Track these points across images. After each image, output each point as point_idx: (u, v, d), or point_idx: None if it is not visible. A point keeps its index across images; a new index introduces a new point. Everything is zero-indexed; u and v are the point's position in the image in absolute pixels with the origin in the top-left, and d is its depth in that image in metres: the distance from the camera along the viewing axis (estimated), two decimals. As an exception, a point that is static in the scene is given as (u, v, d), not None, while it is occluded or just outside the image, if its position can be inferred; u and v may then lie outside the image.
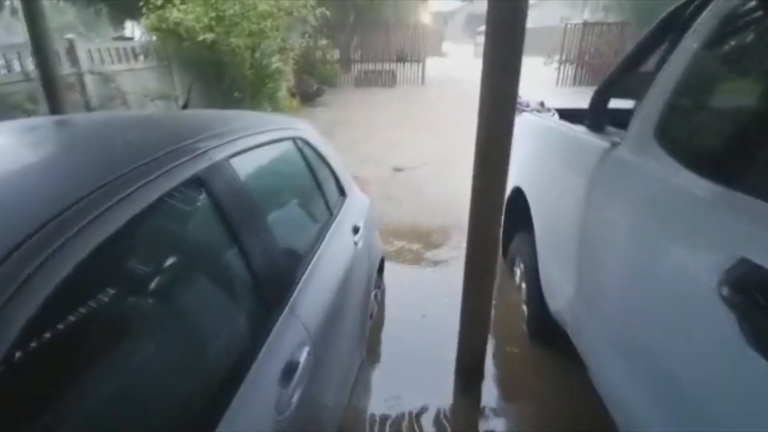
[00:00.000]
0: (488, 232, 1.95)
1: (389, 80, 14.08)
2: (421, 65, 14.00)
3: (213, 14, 5.99)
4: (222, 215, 1.21)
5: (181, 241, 1.14)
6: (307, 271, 1.54)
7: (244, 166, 1.46)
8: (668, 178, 1.28)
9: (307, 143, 2.10)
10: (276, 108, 9.61)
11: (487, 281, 1.97)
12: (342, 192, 2.36)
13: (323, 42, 14.11)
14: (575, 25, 13.25)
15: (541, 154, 2.56)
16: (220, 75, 7.17)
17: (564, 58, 13.26)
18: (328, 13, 7.57)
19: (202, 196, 1.20)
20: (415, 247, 3.91)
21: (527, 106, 3.84)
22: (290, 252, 1.56)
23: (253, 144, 1.54)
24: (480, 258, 1.99)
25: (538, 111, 3.73)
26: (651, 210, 1.34)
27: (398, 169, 6.05)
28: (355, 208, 2.41)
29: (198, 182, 1.18)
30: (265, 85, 7.60)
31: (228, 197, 1.26)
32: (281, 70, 8.28)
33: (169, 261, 1.06)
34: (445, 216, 4.45)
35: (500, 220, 1.93)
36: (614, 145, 1.67)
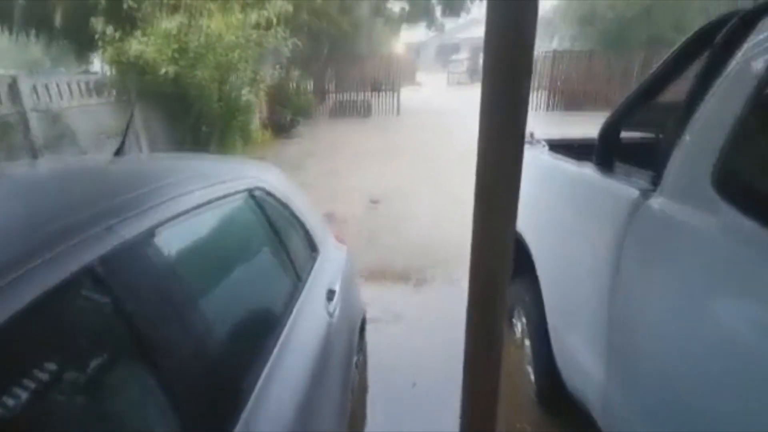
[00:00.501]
0: (494, 294, 1.60)
1: (364, 110, 13.97)
2: (396, 95, 13.97)
3: (176, 46, 5.67)
4: (129, 325, 0.83)
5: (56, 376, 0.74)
6: (266, 371, 1.16)
7: (177, 239, 1.09)
8: (739, 237, 0.98)
9: (270, 194, 1.74)
10: (248, 141, 9.25)
11: (494, 358, 1.61)
12: (314, 248, 1.99)
13: (297, 73, 13.96)
14: (546, 53, 13.52)
15: (543, 195, 2.25)
16: (187, 109, 6.81)
17: (537, 85, 13.44)
18: (299, 44, 7.36)
19: (98, 301, 0.82)
20: (399, 294, 3.54)
21: None
22: (243, 349, 1.17)
23: (192, 205, 1.17)
24: (483, 328, 1.63)
25: (528, 143, 3.45)
26: (718, 280, 1.03)
27: (375, 202, 5.74)
28: (331, 265, 2.04)
29: (91, 278, 0.80)
30: (234, 118, 7.27)
31: (143, 295, 0.88)
32: (252, 103, 7.97)
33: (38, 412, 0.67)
34: (428, 255, 4.12)
35: (507, 280, 1.60)
36: (645, 192, 1.37)
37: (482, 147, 1.45)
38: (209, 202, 1.26)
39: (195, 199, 1.19)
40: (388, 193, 6.06)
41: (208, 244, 1.30)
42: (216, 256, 1.33)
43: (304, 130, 11.00)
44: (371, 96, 14.11)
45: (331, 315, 1.74)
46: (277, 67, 13.49)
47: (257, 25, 6.52)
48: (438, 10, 15.38)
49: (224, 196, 1.40)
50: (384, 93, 14.03)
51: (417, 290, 3.61)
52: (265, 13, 6.31)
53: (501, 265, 1.58)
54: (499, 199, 1.47)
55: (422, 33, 33.47)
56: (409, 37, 35.66)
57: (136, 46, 5.57)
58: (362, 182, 6.69)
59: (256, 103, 10.47)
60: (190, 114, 6.83)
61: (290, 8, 6.70)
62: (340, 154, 8.53)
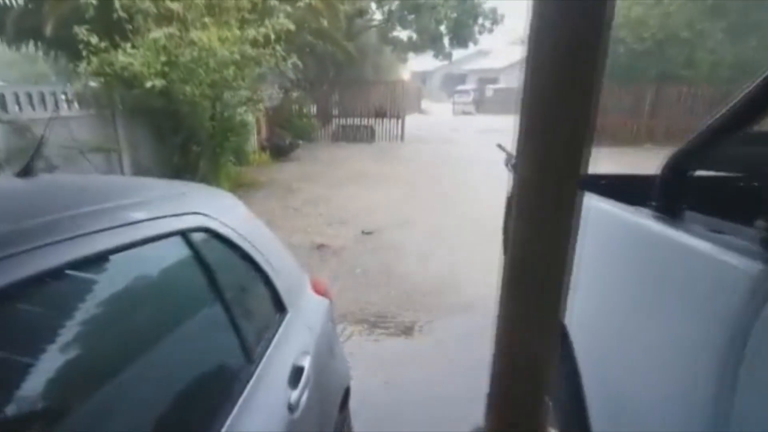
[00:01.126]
0: (532, 394, 1.09)
1: (368, 136, 13.67)
2: (400, 121, 13.71)
3: (165, 58, 5.32)
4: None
5: None
6: None
7: (51, 309, 0.65)
8: None
9: (217, 236, 1.26)
10: (243, 162, 8.86)
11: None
12: (280, 307, 1.51)
13: (300, 95, 13.77)
14: (555, 85, 13.27)
15: (589, 259, 1.73)
16: (176, 126, 6.43)
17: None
18: (300, 63, 7.04)
19: None
20: (389, 350, 3.01)
21: None
22: None
23: (85, 254, 0.74)
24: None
25: None
26: None
27: (367, 233, 5.26)
28: (302, 329, 1.55)
29: None
30: (227, 139, 6.88)
31: None
32: (247, 123, 7.62)
33: None
34: (424, 303, 3.60)
35: (549, 375, 1.09)
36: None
37: (522, 194, 0.96)
38: (113, 251, 0.81)
39: (91, 245, 0.73)
40: (383, 223, 5.59)
41: (103, 319, 0.83)
42: (113, 339, 0.86)
43: (304, 154, 10.64)
44: (375, 122, 13.86)
45: (293, 409, 1.24)
46: (278, 87, 13.33)
47: (255, 42, 6.21)
48: (446, 40, 15.31)
49: (141, 242, 0.94)
50: (389, 119, 13.78)
51: (412, 345, 3.08)
52: (264, 29, 6.00)
53: (543, 353, 1.08)
54: (544, 266, 0.98)
55: (429, 62, 33.84)
56: (417, 65, 36.08)
57: (122, 57, 5.23)
58: (357, 210, 6.24)
59: (254, 124, 10.19)
60: (180, 132, 6.45)
61: (292, 26, 6.42)
62: (337, 178, 8.12)
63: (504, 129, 18.59)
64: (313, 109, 14.36)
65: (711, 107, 12.77)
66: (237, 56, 5.88)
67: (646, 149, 12.08)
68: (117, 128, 5.75)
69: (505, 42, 47.96)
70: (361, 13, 13.64)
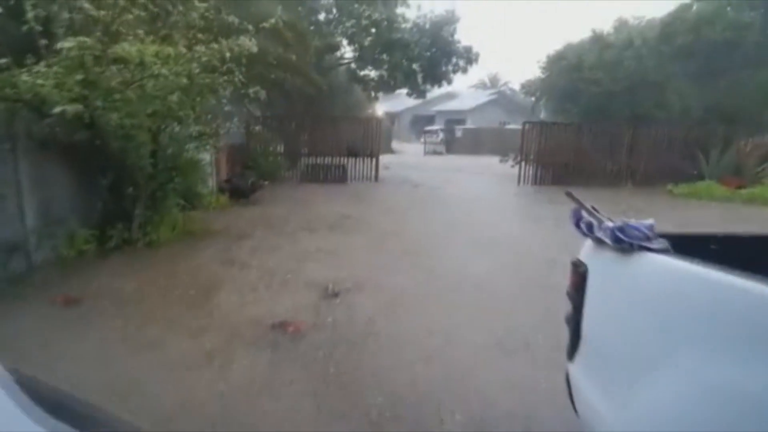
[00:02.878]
0: None
1: (340, 176, 12.54)
2: (374, 161, 12.70)
3: (81, 77, 4.02)
4: None
5: None
6: None
7: None
8: None
9: None
10: (196, 206, 7.47)
11: None
12: None
13: (266, 132, 12.59)
14: (533, 125, 12.75)
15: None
16: (105, 164, 5.08)
17: (524, 156, 12.51)
18: (262, 93, 5.87)
19: None
20: None
21: (608, 230, 1.95)
22: None
23: None
24: None
25: (643, 239, 1.85)
26: None
27: (334, 295, 4.01)
28: None
29: None
30: (171, 180, 5.54)
31: None
32: (199, 161, 6.33)
33: None
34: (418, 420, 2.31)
35: None
36: None
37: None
38: None
39: None
40: (352, 281, 4.36)
41: None
42: None
43: (269, 195, 9.33)
44: (348, 161, 12.79)
45: None
46: (242, 123, 12.14)
47: (209, 66, 5.04)
48: (420, 78, 14.67)
49: None
50: (362, 158, 12.75)
51: None
52: (216, 46, 4.81)
53: None
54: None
55: (399, 102, 33.64)
56: (386, 106, 35.88)
57: (27, 77, 3.92)
58: (322, 263, 4.97)
59: (211, 163, 8.87)
60: (109, 172, 5.08)
61: (254, 49, 5.31)
62: (301, 225, 6.84)
63: (479, 168, 18.29)
64: (282, 147, 13.20)
65: (685, 148, 12.69)
66: (184, 80, 4.65)
67: (628, 189, 11.54)
68: (18, 166, 4.32)
69: (469, 85, 49.12)
70: (332, 48, 12.84)
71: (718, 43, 11.71)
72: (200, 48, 4.73)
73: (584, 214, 2.02)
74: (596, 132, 12.30)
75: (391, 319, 3.62)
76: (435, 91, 30.02)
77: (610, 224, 1.86)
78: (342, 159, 12.76)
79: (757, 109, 11.86)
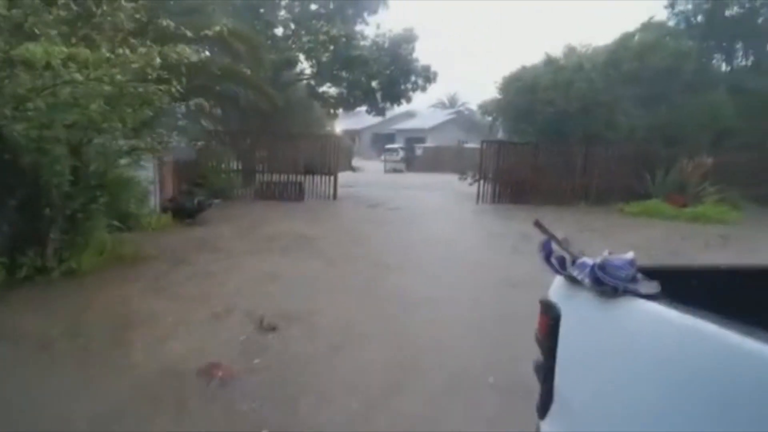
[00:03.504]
0: None
1: (296, 193, 12.01)
2: (332, 179, 12.28)
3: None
4: None
5: None
6: None
7: None
8: None
9: None
10: (133, 227, 6.77)
11: None
12: None
13: (218, 148, 11.92)
14: (491, 144, 12.80)
15: None
16: (13, 182, 4.39)
17: (482, 175, 12.48)
18: (205, 104, 5.37)
19: None
20: None
21: (586, 268, 1.58)
22: None
23: None
24: None
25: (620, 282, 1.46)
26: None
27: (270, 329, 3.53)
28: None
29: None
30: (95, 200, 4.89)
31: None
32: (131, 178, 5.71)
33: None
34: None
35: None
36: None
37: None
38: None
39: None
40: (295, 311, 3.91)
41: None
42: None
43: (219, 214, 8.68)
44: (305, 178, 12.30)
45: None
46: (193, 138, 11.46)
47: (138, 74, 4.50)
48: (379, 96, 14.50)
49: None
50: (320, 176, 12.30)
51: None
52: (143, 49, 4.28)
53: None
54: None
55: (359, 120, 33.55)
56: (346, 124, 35.70)
57: None
58: (261, 291, 4.49)
59: (152, 180, 8.13)
60: (17, 190, 4.40)
61: (193, 57, 4.82)
62: (248, 247, 6.30)
63: (438, 186, 18.17)
64: (238, 164, 12.56)
65: (634, 167, 13.12)
66: (106, 87, 4.09)
67: (582, 208, 11.70)
68: None
69: (428, 105, 49.88)
70: (289, 63, 12.44)
71: (660, 69, 12.26)
72: (126, 52, 4.18)
73: (555, 247, 1.70)
74: (552, 151, 12.49)
75: (335, 358, 3.18)
76: (395, 110, 30.11)
77: (588, 261, 1.53)
78: (299, 176, 12.27)
79: (696, 131, 12.44)
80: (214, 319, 3.77)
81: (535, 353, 1.67)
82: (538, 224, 1.64)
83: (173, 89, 4.79)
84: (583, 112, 12.44)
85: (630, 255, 1.61)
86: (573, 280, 1.58)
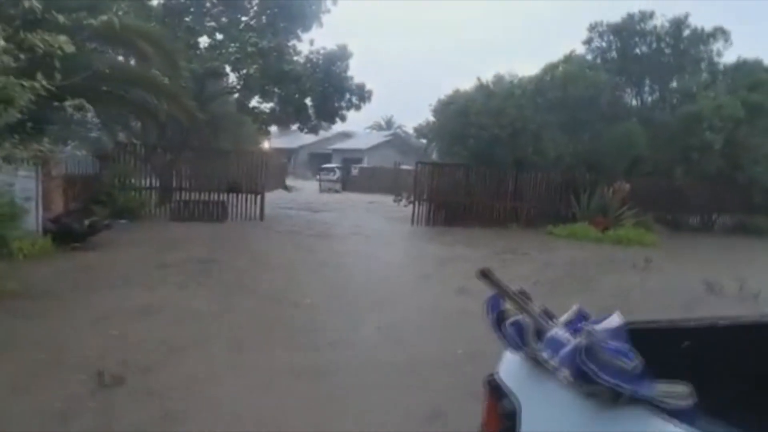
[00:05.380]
0: None
1: (218, 214, 10.90)
2: (259, 198, 11.34)
3: None
4: None
5: None
6: None
7: None
8: None
9: None
10: (2, 253, 5.47)
11: None
12: None
13: (125, 162, 10.55)
14: (425, 165, 12.58)
15: None
16: None
17: (417, 196, 12.19)
18: (89, 108, 4.41)
19: None
20: None
21: (565, 352, 0.87)
22: None
23: None
24: None
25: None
26: None
27: (116, 382, 2.73)
28: None
29: None
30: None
31: None
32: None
33: None
34: None
35: None
36: None
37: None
38: None
39: None
40: (157, 358, 3.14)
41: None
42: None
43: (119, 238, 7.45)
44: (228, 197, 11.24)
45: None
46: (93, 150, 10.10)
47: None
48: (311, 112, 13.85)
49: None
50: (245, 195, 11.30)
51: None
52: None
53: None
54: None
55: (295, 139, 32.56)
56: (282, 143, 34.55)
57: None
58: (123, 333, 3.62)
59: (32, 196, 6.79)
60: None
61: (70, 47, 3.91)
62: (136, 277, 5.30)
63: (373, 207, 17.67)
64: (155, 180, 11.22)
65: (561, 192, 13.57)
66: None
67: (513, 230, 11.76)
68: None
69: (365, 126, 50.09)
70: (215, 74, 11.46)
71: (581, 98, 12.87)
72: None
73: (508, 305, 1.14)
74: (484, 174, 12.55)
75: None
76: (332, 130, 29.63)
77: (564, 336, 0.97)
78: (222, 195, 11.19)
79: (613, 158, 13.13)
80: (51, 369, 2.85)
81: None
82: (485, 273, 1.07)
83: (37, 85, 3.82)
84: (513, 137, 12.66)
85: (616, 318, 1.08)
86: (539, 362, 1.02)
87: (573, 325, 1.04)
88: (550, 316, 1.10)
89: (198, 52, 12.25)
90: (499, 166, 12.69)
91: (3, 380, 2.76)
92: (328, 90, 13.06)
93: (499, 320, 1.14)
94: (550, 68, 13.95)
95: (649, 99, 15.39)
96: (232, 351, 3.47)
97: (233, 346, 3.54)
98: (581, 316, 1.12)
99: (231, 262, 6.51)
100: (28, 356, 3.11)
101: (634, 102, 15.76)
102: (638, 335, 0.97)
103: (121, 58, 9.80)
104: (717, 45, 14.46)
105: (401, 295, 5.33)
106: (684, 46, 14.49)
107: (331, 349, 3.58)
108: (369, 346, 3.69)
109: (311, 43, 13.28)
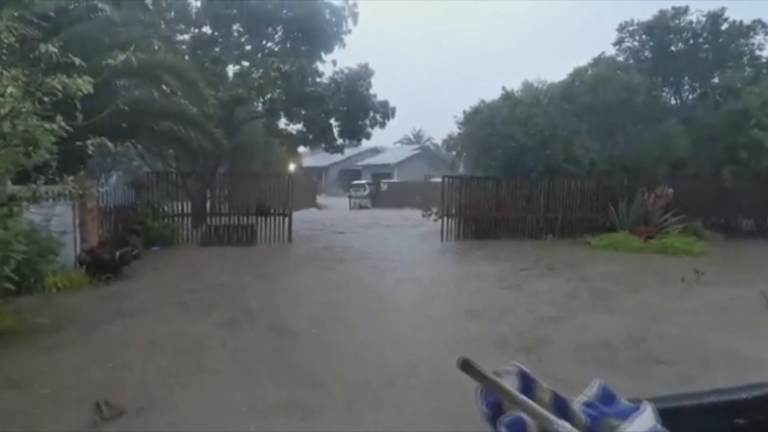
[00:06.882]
0: None
1: (247, 237, 11.00)
2: (287, 219, 11.38)
3: None
4: None
5: None
6: None
7: None
8: None
9: None
10: (33, 288, 5.62)
11: None
12: None
13: (160, 190, 10.85)
14: (452, 179, 12.28)
15: None
16: None
17: (445, 210, 11.89)
18: (108, 144, 4.46)
19: None
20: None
21: None
22: None
23: None
24: None
25: None
26: None
27: (116, 415, 2.62)
28: None
29: None
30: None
31: None
32: (15, 232, 4.66)
33: None
34: None
35: None
36: None
37: None
38: None
39: None
40: (159, 393, 2.98)
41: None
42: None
43: (146, 266, 7.59)
44: (257, 220, 11.35)
45: None
46: (131, 181, 10.46)
47: (15, 109, 3.60)
48: (336, 132, 13.91)
49: None
50: (273, 217, 11.37)
51: None
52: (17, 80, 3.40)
53: None
54: None
55: (325, 157, 33.02)
56: (312, 161, 35.10)
57: None
58: (132, 364, 3.54)
59: (69, 230, 7.03)
60: None
61: (87, 88, 3.97)
62: (159, 306, 5.31)
63: (402, 222, 17.47)
64: (188, 207, 11.52)
65: (597, 199, 12.92)
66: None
67: (549, 242, 11.24)
68: None
69: (394, 141, 50.19)
70: (239, 100, 11.72)
71: (613, 102, 12.24)
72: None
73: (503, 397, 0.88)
74: (514, 185, 12.12)
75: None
76: (362, 146, 29.86)
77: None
78: (251, 218, 11.31)
79: (652, 162, 12.36)
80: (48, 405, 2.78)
81: None
82: (466, 365, 0.83)
83: (56, 126, 3.89)
84: (542, 145, 12.19)
85: (648, 417, 0.81)
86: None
87: (593, 411, 0.79)
88: (562, 407, 0.85)
89: (227, 80, 12.62)
90: (529, 176, 12.23)
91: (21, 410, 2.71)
92: (351, 109, 13.10)
93: (494, 416, 0.89)
94: (579, 72, 13.42)
95: (689, 97, 14.49)
96: (233, 386, 3.31)
97: (235, 382, 3.39)
98: (605, 395, 0.86)
99: (251, 288, 6.44)
100: (32, 392, 3.07)
101: (672, 101, 14.91)
102: (676, 416, 0.73)
103: (156, 93, 10.23)
104: (758, 38, 13.51)
105: (425, 334, 5.01)
106: (723, 40, 13.59)
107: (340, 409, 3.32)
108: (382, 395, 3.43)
109: (334, 63, 13.43)
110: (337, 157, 29.62)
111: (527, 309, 5.41)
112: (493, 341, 4.28)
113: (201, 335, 4.41)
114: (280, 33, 13.42)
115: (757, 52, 13.53)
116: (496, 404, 0.91)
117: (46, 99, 4.15)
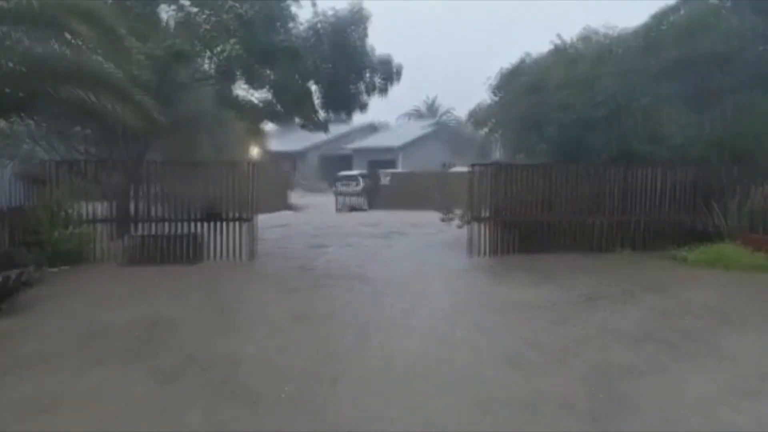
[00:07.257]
0: None
1: (191, 252, 10.76)
2: (249, 226, 11.14)
3: None
4: None
5: None
6: None
7: None
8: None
9: None
10: None
11: None
12: None
13: (71, 184, 10.62)
14: (485, 168, 12.04)
15: None
16: None
17: (474, 213, 11.66)
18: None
19: None
20: None
21: None
22: None
23: None
24: None
25: None
26: None
27: None
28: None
29: None
30: None
31: None
32: None
33: None
34: None
35: None
36: None
37: None
38: None
39: None
40: None
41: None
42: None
43: (48, 294, 7.39)
44: (205, 227, 11.12)
45: None
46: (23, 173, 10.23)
47: None
48: (318, 102, 13.70)
49: None
50: (227, 223, 11.14)
51: None
52: None
53: None
54: None
55: (301, 138, 32.86)
56: (283, 144, 34.96)
57: None
58: None
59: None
60: None
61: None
62: (61, 355, 5.08)
63: (413, 230, 17.12)
64: (111, 209, 11.28)
65: (690, 196, 12.62)
66: None
67: (625, 257, 11.00)
68: None
69: (399, 114, 50.11)
70: (179, 56, 11.46)
71: (716, 56, 12.02)
72: None
73: None
74: (574, 176, 11.88)
75: None
76: (355, 122, 29.69)
77: None
78: (197, 225, 11.08)
79: (766, 145, 12.12)
80: None
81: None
82: None
83: None
84: (613, 118, 12.00)
85: None
86: None
87: None
88: None
89: (161, 28, 12.40)
90: (595, 162, 12.01)
91: None
92: (339, 69, 12.88)
93: None
94: (665, 13, 13.19)
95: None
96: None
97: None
98: None
99: (186, 325, 6.23)
100: None
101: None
102: None
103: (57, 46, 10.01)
104: None
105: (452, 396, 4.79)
106: None
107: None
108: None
109: (313, 3, 13.22)
110: (319, 137, 29.46)
111: (598, 355, 5.25)
112: (557, 402, 4.08)
113: (105, 394, 4.18)
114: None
115: None
116: None
117: None
